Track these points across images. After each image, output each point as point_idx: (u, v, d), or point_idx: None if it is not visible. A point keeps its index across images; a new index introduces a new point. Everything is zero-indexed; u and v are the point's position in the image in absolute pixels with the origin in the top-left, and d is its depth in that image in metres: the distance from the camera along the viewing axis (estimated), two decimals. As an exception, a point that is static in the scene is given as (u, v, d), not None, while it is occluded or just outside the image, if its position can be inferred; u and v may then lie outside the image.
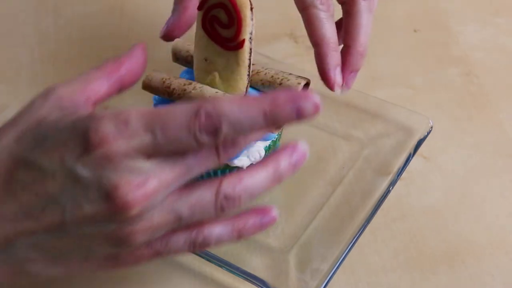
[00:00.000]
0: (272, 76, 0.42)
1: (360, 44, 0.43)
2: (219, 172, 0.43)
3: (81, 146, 0.31)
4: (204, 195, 0.33)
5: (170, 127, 0.31)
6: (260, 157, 0.43)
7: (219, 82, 0.41)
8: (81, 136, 0.31)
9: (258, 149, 0.43)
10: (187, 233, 0.35)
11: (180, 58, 0.45)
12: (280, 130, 0.45)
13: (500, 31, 0.64)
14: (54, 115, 0.34)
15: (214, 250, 0.43)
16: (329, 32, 0.42)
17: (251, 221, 0.36)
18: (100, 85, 0.36)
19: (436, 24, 0.65)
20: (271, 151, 0.44)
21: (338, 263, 0.43)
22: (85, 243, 0.33)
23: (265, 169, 0.34)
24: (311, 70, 0.46)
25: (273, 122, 0.31)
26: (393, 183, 0.47)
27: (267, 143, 0.44)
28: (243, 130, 0.31)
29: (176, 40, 0.45)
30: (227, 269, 0.43)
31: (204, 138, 0.31)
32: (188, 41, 0.45)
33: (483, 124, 0.55)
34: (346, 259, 0.43)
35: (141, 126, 0.31)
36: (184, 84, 0.41)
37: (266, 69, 0.43)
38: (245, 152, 0.42)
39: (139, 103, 0.42)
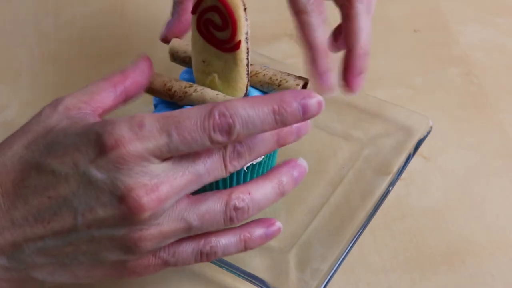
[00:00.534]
0: (271, 78, 0.42)
1: (361, 46, 0.43)
2: (220, 182, 0.43)
3: (95, 150, 0.31)
4: (214, 205, 0.34)
5: (185, 127, 0.31)
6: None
7: (219, 83, 0.41)
8: (95, 140, 0.32)
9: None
10: (194, 243, 0.35)
11: (178, 58, 0.45)
12: None
13: (500, 31, 0.64)
14: (63, 124, 0.34)
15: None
16: (319, 38, 0.42)
17: (257, 231, 0.36)
18: (106, 96, 0.37)
19: (436, 24, 0.65)
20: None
21: (338, 263, 0.43)
22: (93, 248, 0.33)
23: (270, 184, 0.36)
24: (311, 70, 0.46)
25: (281, 119, 0.32)
26: (393, 183, 0.47)
27: None
28: (255, 128, 0.32)
29: (173, 40, 0.45)
30: (227, 269, 0.43)
31: (218, 137, 0.32)
32: (185, 40, 0.45)
33: (483, 124, 0.55)
34: (346, 259, 0.43)
35: (156, 128, 0.31)
36: (185, 87, 0.41)
37: (264, 70, 0.43)
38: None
39: (139, 103, 0.42)
